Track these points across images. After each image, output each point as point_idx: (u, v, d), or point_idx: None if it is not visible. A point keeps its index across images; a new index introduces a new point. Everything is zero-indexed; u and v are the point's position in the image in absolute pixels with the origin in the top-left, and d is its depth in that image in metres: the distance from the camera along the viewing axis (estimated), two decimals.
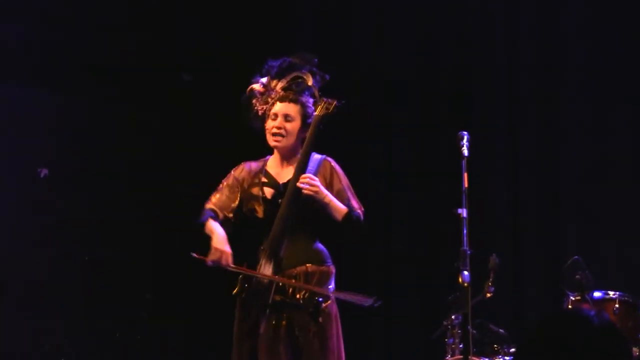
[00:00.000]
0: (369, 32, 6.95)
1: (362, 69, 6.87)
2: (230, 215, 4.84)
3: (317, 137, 4.77)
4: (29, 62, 6.55)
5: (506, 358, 5.16)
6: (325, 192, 4.71)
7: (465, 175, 4.43)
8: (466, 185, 4.41)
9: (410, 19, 6.86)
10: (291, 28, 6.98)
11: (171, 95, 6.79)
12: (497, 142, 6.57)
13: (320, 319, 4.64)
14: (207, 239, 4.86)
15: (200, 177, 6.35)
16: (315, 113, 4.81)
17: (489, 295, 5.09)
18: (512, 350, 5.15)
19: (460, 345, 4.98)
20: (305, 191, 4.66)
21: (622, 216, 6.22)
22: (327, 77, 4.92)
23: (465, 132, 4.61)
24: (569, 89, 6.52)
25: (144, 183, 6.71)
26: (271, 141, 4.83)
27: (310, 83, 4.86)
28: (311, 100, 4.86)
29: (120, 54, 6.69)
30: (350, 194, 4.82)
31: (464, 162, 4.50)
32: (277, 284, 4.64)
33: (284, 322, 4.64)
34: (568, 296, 5.16)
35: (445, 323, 5.16)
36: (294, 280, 4.68)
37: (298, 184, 4.68)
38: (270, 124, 4.82)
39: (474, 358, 4.70)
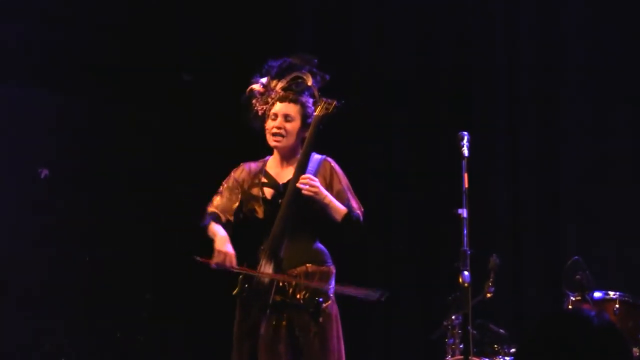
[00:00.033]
0: (369, 32, 6.95)
1: (362, 69, 6.87)
2: (232, 217, 4.85)
3: (317, 138, 4.78)
4: (29, 62, 6.55)
5: (506, 358, 5.16)
6: (325, 192, 4.71)
7: (466, 175, 4.43)
8: (466, 185, 4.41)
9: (410, 19, 6.86)
10: (291, 28, 6.98)
11: (171, 95, 6.79)
12: (497, 142, 6.57)
13: (321, 319, 4.64)
14: (207, 239, 4.88)
15: (200, 177, 6.37)
16: (315, 113, 4.81)
17: (489, 295, 5.09)
18: (513, 350, 5.15)
19: (461, 346, 4.98)
20: (304, 192, 4.67)
21: (622, 216, 6.22)
22: (327, 77, 4.93)
23: (466, 133, 4.61)
24: (569, 89, 6.52)
25: (144, 183, 6.71)
26: (271, 141, 4.83)
27: (310, 83, 4.86)
28: (311, 100, 4.87)
29: (120, 54, 6.69)
30: (350, 195, 4.82)
31: (464, 163, 4.51)
32: (278, 284, 4.64)
33: (284, 323, 4.64)
34: (568, 296, 5.16)
35: (445, 323, 5.16)
36: (294, 282, 4.68)
37: (298, 185, 4.68)
38: (270, 124, 4.82)
39: (474, 358, 4.70)
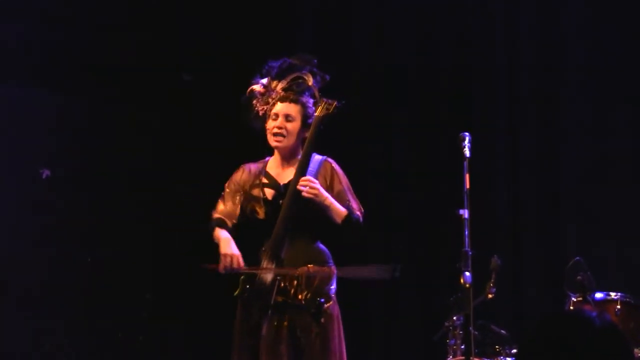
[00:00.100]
0: (369, 32, 6.94)
1: (362, 69, 6.87)
2: (237, 221, 4.87)
3: (317, 138, 4.78)
4: (29, 62, 6.53)
5: (508, 359, 5.16)
6: (326, 194, 4.72)
7: (467, 176, 4.44)
8: (468, 186, 4.41)
9: (410, 19, 6.85)
10: (291, 28, 6.97)
11: (171, 95, 6.78)
12: (497, 142, 6.57)
13: (323, 320, 4.65)
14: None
15: (200, 177, 6.39)
16: (316, 114, 4.82)
17: (490, 296, 5.08)
18: (514, 351, 5.14)
19: (462, 346, 4.98)
20: (304, 194, 4.67)
21: (623, 216, 6.22)
22: (327, 77, 4.93)
23: (467, 133, 4.61)
24: (569, 89, 6.52)
25: (144, 183, 6.70)
26: (272, 141, 4.84)
27: (310, 83, 4.87)
28: (311, 100, 4.87)
29: (120, 54, 6.68)
30: (350, 196, 4.83)
31: (465, 163, 4.51)
32: (279, 284, 4.65)
33: (285, 323, 4.65)
34: (570, 297, 5.15)
35: (446, 324, 5.16)
36: (295, 283, 4.69)
37: (298, 187, 4.68)
38: (271, 124, 4.83)
39: (475, 359, 4.70)
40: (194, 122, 6.80)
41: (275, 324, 4.64)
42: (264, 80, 4.91)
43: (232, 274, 4.71)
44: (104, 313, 6.56)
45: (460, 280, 4.31)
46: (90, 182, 6.68)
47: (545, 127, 6.54)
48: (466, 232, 4.37)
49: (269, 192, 4.84)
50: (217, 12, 6.83)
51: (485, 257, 5.07)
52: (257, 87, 4.91)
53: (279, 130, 4.80)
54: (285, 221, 4.70)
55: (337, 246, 4.87)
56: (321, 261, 4.78)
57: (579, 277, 5.09)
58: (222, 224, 4.83)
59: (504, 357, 5.18)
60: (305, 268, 4.71)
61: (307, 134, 4.81)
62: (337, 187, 4.81)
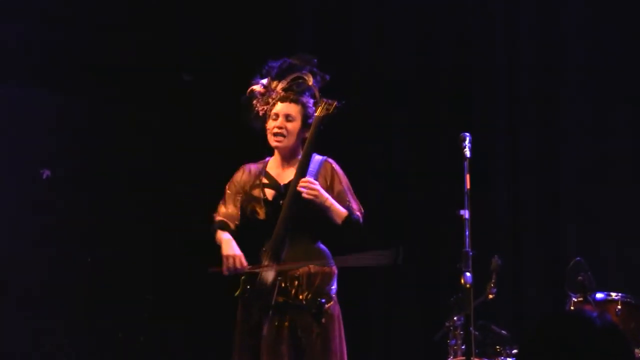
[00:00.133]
0: (369, 32, 6.94)
1: (362, 69, 6.86)
2: (238, 223, 4.87)
3: (317, 138, 4.78)
4: (29, 62, 6.53)
5: (508, 359, 5.16)
6: (326, 195, 4.72)
7: (468, 176, 4.43)
8: (468, 186, 4.41)
9: (410, 19, 6.85)
10: (291, 28, 6.97)
11: (171, 95, 6.78)
12: (497, 142, 6.57)
13: (323, 320, 4.65)
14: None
15: (200, 177, 6.39)
16: (316, 114, 4.82)
17: (491, 296, 5.08)
18: (515, 351, 5.14)
19: (463, 347, 4.98)
20: (304, 195, 4.67)
21: (623, 216, 6.22)
22: (328, 77, 4.93)
23: (468, 134, 4.61)
24: (569, 89, 6.52)
25: (144, 183, 6.70)
26: (272, 141, 4.84)
27: (310, 83, 4.87)
28: (311, 100, 4.87)
29: (120, 54, 6.68)
30: (350, 196, 4.83)
31: (466, 164, 4.51)
32: (280, 285, 4.65)
33: (286, 324, 4.65)
34: (570, 297, 5.15)
35: (447, 324, 5.16)
36: (296, 283, 4.69)
37: (298, 188, 4.68)
38: (271, 124, 4.83)
39: (476, 359, 4.70)
40: (194, 122, 6.80)
41: (276, 324, 4.64)
42: (264, 81, 4.91)
43: (236, 274, 4.71)
44: (104, 313, 6.56)
45: (460, 280, 4.31)
46: (90, 182, 6.68)
47: (545, 127, 6.54)
48: (467, 233, 4.37)
49: (270, 193, 4.84)
50: (217, 12, 6.82)
51: (486, 257, 5.07)
52: (257, 87, 4.91)
53: (279, 130, 4.80)
54: (285, 221, 4.70)
55: (338, 246, 4.87)
56: (322, 261, 4.78)
57: (579, 278, 5.09)
58: (224, 226, 4.83)
59: (504, 357, 5.18)
60: (306, 268, 4.72)
61: (307, 134, 4.81)
62: (337, 187, 4.81)
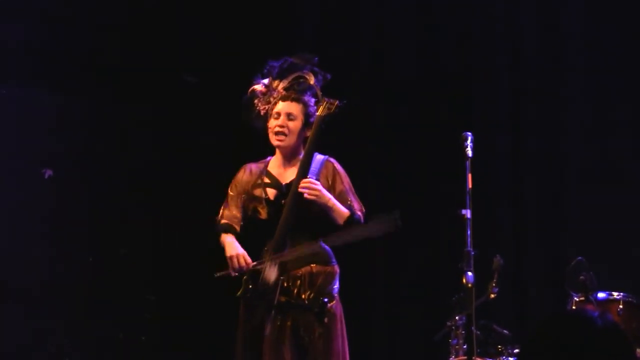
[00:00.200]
0: (369, 31, 6.94)
1: (362, 69, 6.86)
2: (243, 223, 4.87)
3: (319, 137, 4.78)
4: (29, 62, 6.53)
5: (510, 359, 5.16)
6: (328, 195, 4.72)
7: (470, 176, 4.43)
8: (470, 186, 4.41)
9: (411, 19, 6.85)
10: (291, 28, 6.96)
11: (171, 95, 6.78)
12: (499, 141, 6.57)
13: (326, 320, 4.65)
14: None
15: (200, 177, 6.38)
16: (317, 113, 4.82)
17: (492, 296, 5.08)
18: (516, 351, 5.14)
19: (464, 346, 4.97)
20: (306, 196, 4.67)
21: (625, 216, 6.22)
22: (329, 76, 4.93)
23: (469, 133, 4.61)
24: (569, 89, 6.52)
25: (144, 183, 6.70)
26: (274, 140, 4.84)
27: (312, 82, 4.87)
28: (313, 99, 4.87)
29: (121, 54, 6.67)
30: (352, 196, 4.83)
31: (468, 163, 4.51)
32: (282, 284, 4.64)
33: (289, 323, 4.65)
34: (572, 297, 5.16)
35: (449, 324, 5.15)
36: (298, 282, 4.69)
37: (299, 189, 4.68)
38: (272, 123, 4.82)
39: (477, 359, 4.70)
40: (194, 122, 6.79)
41: (279, 324, 4.64)
42: (266, 80, 4.91)
43: (243, 274, 4.70)
44: (104, 313, 6.56)
45: (462, 280, 4.32)
46: (90, 182, 6.67)
47: (546, 126, 6.54)
48: (468, 232, 4.37)
49: (271, 192, 4.84)
50: (217, 12, 6.82)
51: (488, 256, 5.07)
52: (258, 87, 4.91)
53: (280, 129, 4.80)
54: (287, 221, 4.70)
55: (339, 246, 4.87)
56: (324, 261, 4.78)
57: (581, 277, 5.09)
58: (229, 229, 4.84)
59: (506, 357, 5.17)
60: (309, 268, 4.71)
61: (309, 133, 4.81)
62: (338, 187, 4.81)
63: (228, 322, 4.92)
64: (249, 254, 4.75)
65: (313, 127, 4.79)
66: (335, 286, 4.77)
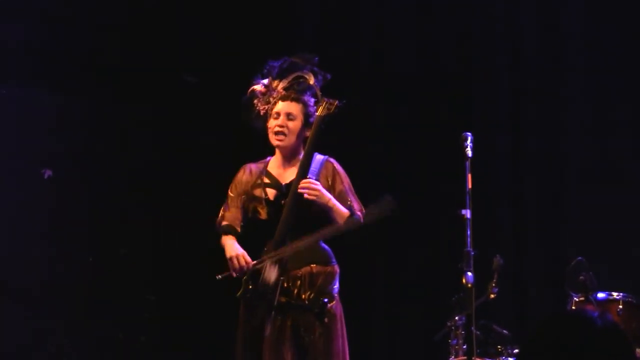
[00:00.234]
0: (369, 32, 6.94)
1: (362, 69, 6.86)
2: (244, 224, 4.88)
3: (319, 137, 4.78)
4: (29, 62, 6.53)
5: (510, 359, 5.16)
6: (328, 195, 4.72)
7: (469, 176, 4.44)
8: (470, 186, 4.41)
9: (411, 19, 6.85)
10: (291, 28, 6.96)
11: (171, 95, 6.77)
12: (498, 142, 6.57)
13: (326, 320, 4.65)
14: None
15: (200, 177, 6.38)
16: (317, 113, 4.81)
17: (492, 296, 5.09)
18: (516, 351, 5.14)
19: (464, 346, 4.98)
20: (306, 196, 4.67)
21: (624, 216, 6.22)
22: (329, 76, 4.93)
23: (469, 133, 4.62)
24: (569, 89, 6.52)
25: (144, 183, 6.70)
26: (274, 140, 4.84)
27: (311, 82, 4.87)
28: (312, 99, 4.87)
29: (121, 54, 6.67)
30: (352, 196, 4.83)
31: (467, 163, 4.51)
32: (283, 285, 4.64)
33: (289, 323, 4.65)
34: (572, 297, 5.16)
35: (448, 324, 5.16)
36: (298, 283, 4.69)
37: (299, 190, 4.67)
38: (272, 123, 4.82)
39: (477, 359, 4.70)
40: (194, 122, 6.79)
41: (279, 324, 4.64)
42: (265, 80, 4.91)
43: (244, 273, 4.70)
44: (104, 313, 6.56)
45: (462, 280, 4.32)
46: (90, 182, 6.67)
47: (546, 126, 6.54)
48: (468, 232, 4.37)
49: (271, 192, 4.84)
50: (217, 12, 6.82)
51: (487, 257, 5.07)
52: (258, 87, 4.91)
53: (280, 129, 4.80)
54: (287, 221, 4.70)
55: (339, 246, 4.87)
56: (324, 261, 4.78)
57: (581, 277, 5.09)
58: (230, 231, 4.84)
59: (505, 357, 5.18)
60: (308, 268, 4.71)
61: (308, 133, 4.81)
62: (338, 187, 4.81)
63: (228, 322, 4.92)
64: (249, 254, 4.75)
65: (313, 127, 4.79)
66: (336, 286, 4.77)
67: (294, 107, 4.82)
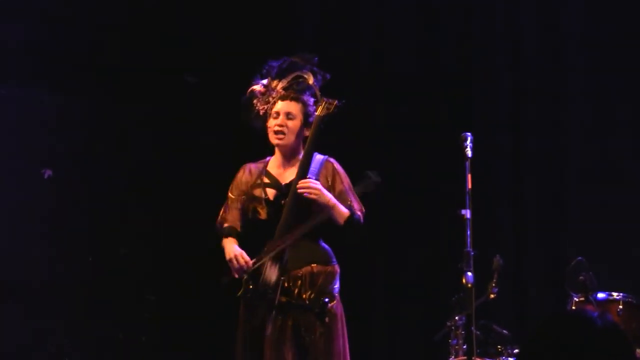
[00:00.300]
0: (369, 32, 6.94)
1: (362, 69, 6.86)
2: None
3: (318, 137, 4.78)
4: (29, 62, 6.53)
5: (510, 359, 5.16)
6: (328, 195, 4.72)
7: (469, 176, 4.44)
8: (469, 186, 4.41)
9: (410, 19, 6.85)
10: (291, 28, 6.96)
11: (171, 95, 6.77)
12: (498, 142, 6.56)
13: (327, 320, 4.65)
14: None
15: (200, 177, 6.38)
16: (317, 113, 4.81)
17: (492, 296, 5.09)
18: (516, 351, 5.14)
19: (464, 346, 4.98)
20: (306, 196, 4.66)
21: (624, 216, 6.22)
22: (328, 76, 4.93)
23: (469, 133, 4.62)
24: (569, 89, 6.52)
25: (144, 183, 6.70)
26: (273, 139, 4.84)
27: (311, 82, 4.87)
28: (312, 99, 4.87)
29: (121, 54, 6.67)
30: (352, 196, 4.83)
31: (467, 163, 4.51)
32: (283, 285, 4.64)
33: (290, 323, 4.65)
34: (572, 297, 5.16)
35: (448, 324, 5.16)
36: (299, 282, 4.69)
37: (299, 190, 4.67)
38: (272, 122, 4.83)
39: (477, 359, 4.70)
40: (194, 122, 6.80)
41: (279, 324, 4.63)
42: (265, 81, 4.91)
43: (246, 272, 4.69)
44: (104, 313, 6.56)
45: (462, 280, 4.32)
46: (90, 182, 6.67)
47: (546, 126, 6.54)
48: (468, 232, 4.37)
49: (271, 192, 4.83)
50: (217, 12, 6.82)
51: (487, 257, 5.07)
52: (257, 87, 4.91)
53: (280, 128, 4.80)
54: (287, 221, 4.70)
55: (339, 246, 4.87)
56: (325, 261, 4.78)
57: (581, 277, 5.09)
58: (231, 233, 4.84)
59: (505, 357, 5.18)
60: (309, 268, 4.71)
61: (308, 133, 4.81)
62: (338, 187, 4.81)
63: (228, 322, 4.92)
64: (249, 254, 4.75)
65: (312, 127, 4.79)
66: (336, 286, 4.77)
67: (294, 107, 4.82)
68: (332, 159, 4.89)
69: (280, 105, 4.82)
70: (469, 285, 4.28)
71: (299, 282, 4.70)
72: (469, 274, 4.29)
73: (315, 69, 4.91)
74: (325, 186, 4.76)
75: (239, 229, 4.85)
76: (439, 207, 6.37)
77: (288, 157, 4.87)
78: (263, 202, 4.83)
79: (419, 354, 6.46)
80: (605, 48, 6.45)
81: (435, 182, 6.51)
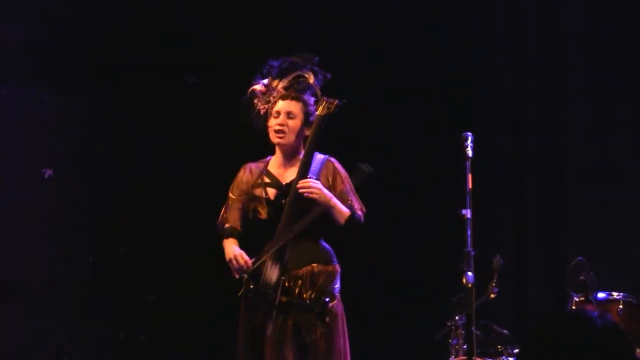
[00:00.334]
0: (369, 32, 6.94)
1: (362, 69, 6.86)
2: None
3: (319, 137, 4.78)
4: (29, 62, 6.53)
5: (510, 359, 5.16)
6: (329, 195, 4.72)
7: (470, 176, 4.44)
8: (470, 186, 4.42)
9: (411, 19, 6.85)
10: (291, 28, 6.96)
11: (171, 95, 6.77)
12: (498, 142, 6.57)
13: (327, 319, 4.65)
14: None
15: (200, 177, 6.38)
16: (317, 113, 4.81)
17: (492, 296, 5.09)
18: (516, 351, 5.14)
19: (464, 346, 4.98)
20: (307, 195, 4.66)
21: (624, 216, 6.22)
22: (329, 76, 4.93)
23: (470, 133, 4.62)
24: (569, 89, 6.52)
25: (144, 183, 6.70)
26: (274, 138, 4.84)
27: (311, 81, 4.87)
28: (312, 99, 4.87)
29: (121, 54, 6.67)
30: (352, 195, 4.83)
31: (468, 163, 4.51)
32: (284, 285, 4.64)
33: (290, 323, 4.65)
34: (572, 297, 5.16)
35: (449, 324, 5.16)
36: (300, 282, 4.69)
37: (299, 190, 4.67)
38: (272, 122, 4.83)
39: (477, 359, 4.70)
40: (194, 122, 6.80)
41: (280, 324, 4.63)
42: (265, 80, 4.91)
43: (246, 271, 4.69)
44: (104, 313, 6.56)
45: (462, 280, 4.32)
46: (90, 182, 6.67)
47: (546, 126, 6.54)
48: (468, 232, 4.37)
49: (271, 192, 4.83)
50: (217, 12, 6.82)
51: (488, 256, 5.07)
52: (258, 87, 4.91)
53: (280, 127, 4.80)
54: (287, 221, 4.69)
55: (339, 246, 4.87)
56: (325, 260, 4.78)
57: (581, 277, 5.09)
58: (232, 233, 4.84)
59: (506, 357, 5.18)
60: (310, 267, 4.71)
61: (308, 133, 4.81)
62: (339, 186, 4.81)
63: (228, 322, 4.92)
64: (250, 254, 4.75)
65: (313, 126, 4.79)
66: (337, 286, 4.77)
67: (294, 106, 4.82)
68: (332, 159, 4.88)
69: (281, 105, 4.83)
70: (469, 285, 4.28)
71: (300, 281, 4.69)
72: (469, 273, 4.29)
73: (315, 68, 4.91)
74: (326, 186, 4.76)
75: (239, 230, 4.85)
76: (439, 207, 6.37)
77: (289, 156, 4.87)
78: (264, 201, 4.83)
79: (419, 353, 6.46)
80: (605, 48, 6.45)
81: (436, 182, 6.51)
